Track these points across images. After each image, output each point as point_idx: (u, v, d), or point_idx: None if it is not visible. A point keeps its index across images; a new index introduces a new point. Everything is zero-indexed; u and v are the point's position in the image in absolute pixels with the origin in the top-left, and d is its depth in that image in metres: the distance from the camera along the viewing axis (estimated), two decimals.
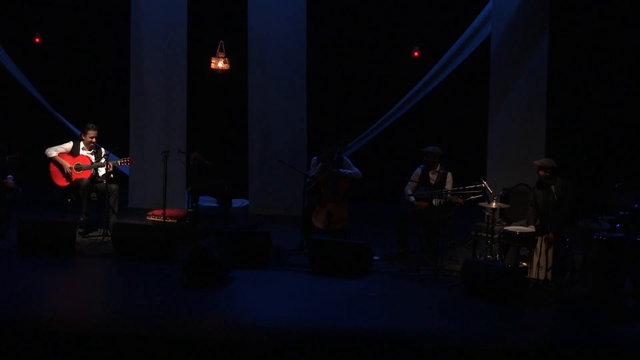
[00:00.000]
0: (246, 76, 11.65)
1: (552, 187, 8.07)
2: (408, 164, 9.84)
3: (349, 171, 9.30)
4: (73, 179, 9.68)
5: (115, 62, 12.42)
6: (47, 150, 9.76)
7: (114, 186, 9.76)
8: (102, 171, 9.82)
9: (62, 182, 9.76)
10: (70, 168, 9.68)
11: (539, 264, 7.95)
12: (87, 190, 9.64)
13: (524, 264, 8.29)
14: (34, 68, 12.52)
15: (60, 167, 9.72)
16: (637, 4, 11.32)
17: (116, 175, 10.38)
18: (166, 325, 6.58)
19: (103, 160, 9.65)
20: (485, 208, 8.63)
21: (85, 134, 9.84)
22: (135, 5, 11.51)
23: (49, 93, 12.39)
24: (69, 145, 9.83)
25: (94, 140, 9.79)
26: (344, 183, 9.22)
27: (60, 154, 9.77)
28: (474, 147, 11.60)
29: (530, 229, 8.23)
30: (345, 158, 9.51)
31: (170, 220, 9.42)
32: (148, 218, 9.73)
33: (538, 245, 8.03)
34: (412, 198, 9.13)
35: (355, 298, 7.50)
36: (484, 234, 8.68)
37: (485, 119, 10.94)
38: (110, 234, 9.22)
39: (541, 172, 8.28)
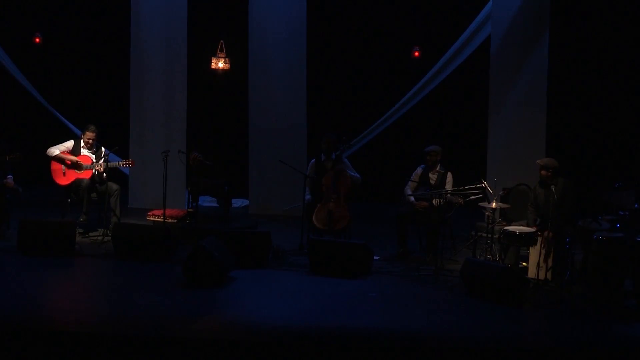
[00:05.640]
0: (246, 76, 11.64)
1: (553, 187, 8.07)
2: (408, 164, 9.83)
3: (353, 173, 9.28)
4: (80, 172, 9.62)
5: (115, 62, 12.41)
6: (49, 149, 9.72)
7: (114, 186, 9.75)
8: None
9: (62, 180, 9.71)
10: (77, 161, 9.63)
11: (539, 264, 7.94)
12: (88, 190, 9.63)
13: (524, 264, 8.29)
14: (34, 68, 12.51)
15: (64, 163, 9.68)
16: (637, 4, 11.31)
17: (116, 175, 10.36)
18: (166, 325, 6.58)
19: (103, 161, 9.64)
20: (485, 208, 8.63)
21: (83, 133, 9.85)
22: (135, 5, 11.50)
23: (49, 93, 12.38)
24: (70, 144, 9.82)
25: (90, 141, 9.77)
26: (345, 182, 9.18)
27: (62, 153, 9.75)
28: (474, 147, 11.59)
29: (531, 229, 8.23)
30: (345, 159, 9.48)
31: (170, 220, 9.42)
32: (148, 218, 9.72)
33: (538, 245, 8.03)
34: (412, 198, 9.12)
35: (355, 298, 7.50)
36: (484, 234, 8.68)
37: (485, 119, 10.93)
38: (110, 234, 9.22)
39: (543, 172, 8.27)
